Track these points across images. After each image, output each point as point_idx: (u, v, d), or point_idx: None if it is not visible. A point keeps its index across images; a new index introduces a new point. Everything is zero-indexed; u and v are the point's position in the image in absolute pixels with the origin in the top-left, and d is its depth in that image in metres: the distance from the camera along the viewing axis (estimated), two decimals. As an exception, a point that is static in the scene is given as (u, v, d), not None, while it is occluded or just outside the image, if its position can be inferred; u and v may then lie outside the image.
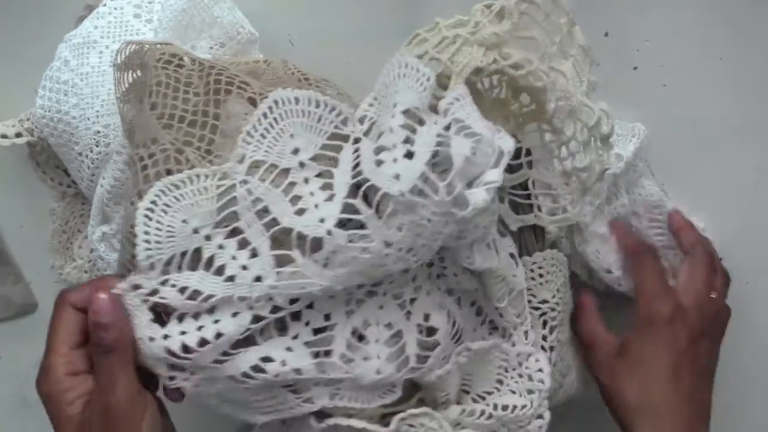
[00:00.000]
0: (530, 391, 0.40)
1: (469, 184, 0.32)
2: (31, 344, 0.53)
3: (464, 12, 0.39)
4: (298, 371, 0.34)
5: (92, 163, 0.44)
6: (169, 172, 0.33)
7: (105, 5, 0.46)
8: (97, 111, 0.43)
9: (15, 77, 0.51)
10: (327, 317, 0.35)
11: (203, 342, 0.32)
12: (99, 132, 0.43)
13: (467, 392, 0.41)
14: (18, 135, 0.48)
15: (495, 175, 0.33)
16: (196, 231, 0.33)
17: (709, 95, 0.50)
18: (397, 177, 0.31)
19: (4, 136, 0.48)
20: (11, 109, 0.50)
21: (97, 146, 0.44)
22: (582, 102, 0.38)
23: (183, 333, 0.32)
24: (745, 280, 0.51)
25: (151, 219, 0.32)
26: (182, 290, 0.32)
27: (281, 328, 0.35)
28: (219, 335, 0.32)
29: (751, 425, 0.53)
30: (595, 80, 0.40)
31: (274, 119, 0.34)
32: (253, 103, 0.35)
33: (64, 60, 0.44)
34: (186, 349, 0.32)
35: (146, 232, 0.32)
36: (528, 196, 0.42)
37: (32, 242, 0.52)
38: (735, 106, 0.50)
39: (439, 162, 0.32)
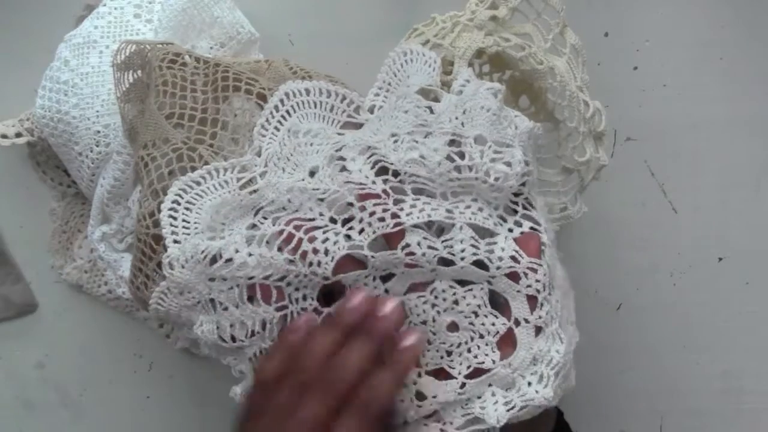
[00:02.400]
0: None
1: (492, 160, 0.32)
2: (31, 344, 0.54)
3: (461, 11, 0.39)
4: None
5: (92, 163, 0.44)
6: (183, 171, 0.33)
7: (105, 5, 0.46)
8: (97, 111, 0.43)
9: (15, 77, 0.51)
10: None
11: None
12: (99, 132, 0.43)
13: None
14: (18, 135, 0.48)
15: (517, 154, 0.32)
16: (223, 224, 0.33)
17: (709, 95, 0.51)
18: (422, 158, 0.31)
19: (4, 136, 0.48)
20: (11, 109, 0.50)
21: (97, 146, 0.44)
22: (578, 95, 0.39)
23: None
24: (745, 280, 0.52)
25: (176, 219, 0.32)
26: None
27: None
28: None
29: (754, 426, 0.53)
30: (587, 79, 0.40)
31: (287, 111, 0.34)
32: (262, 98, 0.35)
33: (64, 60, 0.44)
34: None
35: (174, 232, 0.32)
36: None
37: (32, 242, 0.52)
38: (735, 106, 0.50)
39: (456, 140, 0.32)
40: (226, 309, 0.32)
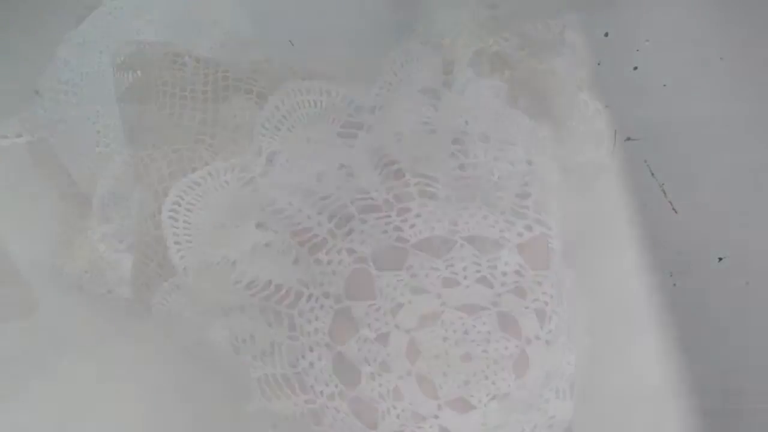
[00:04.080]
0: None
1: (495, 158, 0.32)
2: (31, 344, 0.53)
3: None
4: None
5: (92, 163, 0.44)
6: (183, 172, 0.33)
7: (105, 5, 0.46)
8: (97, 111, 0.43)
9: (15, 77, 0.51)
10: None
11: None
12: (99, 132, 0.43)
13: None
14: (18, 135, 0.48)
15: (520, 153, 0.33)
16: (224, 226, 0.33)
17: (709, 95, 0.51)
18: (426, 157, 0.32)
19: (4, 136, 0.48)
20: (11, 109, 0.50)
21: (97, 146, 0.44)
22: (578, 95, 0.39)
23: None
24: (745, 280, 0.51)
25: (177, 220, 0.32)
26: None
27: None
28: None
29: (754, 426, 0.53)
30: (584, 79, 0.40)
31: (287, 111, 0.34)
32: (262, 97, 0.35)
33: (64, 60, 0.44)
34: None
35: (175, 234, 0.32)
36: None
37: (32, 242, 0.52)
38: (735, 106, 0.50)
39: (460, 139, 0.32)
40: (235, 311, 0.32)
